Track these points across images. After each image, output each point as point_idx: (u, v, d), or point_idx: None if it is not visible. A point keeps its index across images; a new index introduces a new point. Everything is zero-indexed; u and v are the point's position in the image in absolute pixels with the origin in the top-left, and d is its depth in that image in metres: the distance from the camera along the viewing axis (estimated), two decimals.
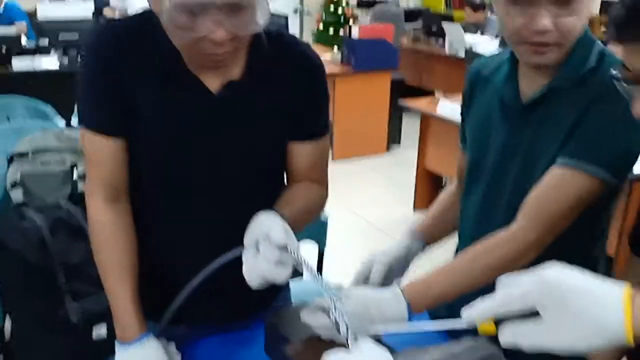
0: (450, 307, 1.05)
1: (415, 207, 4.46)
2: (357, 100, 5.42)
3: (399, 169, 5.31)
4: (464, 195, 1.34)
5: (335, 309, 0.90)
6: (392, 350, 1.00)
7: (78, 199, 2.03)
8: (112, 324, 1.21)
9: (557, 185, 1.08)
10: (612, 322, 0.67)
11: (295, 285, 1.52)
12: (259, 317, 1.39)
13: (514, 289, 0.74)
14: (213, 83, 1.15)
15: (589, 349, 0.70)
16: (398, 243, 1.33)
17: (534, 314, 0.73)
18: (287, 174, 1.32)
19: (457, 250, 1.41)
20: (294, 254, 1.00)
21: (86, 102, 1.17)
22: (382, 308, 1.04)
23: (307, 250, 1.30)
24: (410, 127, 5.61)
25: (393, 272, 1.27)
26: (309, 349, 1.04)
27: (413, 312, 1.05)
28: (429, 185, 4.44)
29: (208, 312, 1.33)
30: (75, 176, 2.36)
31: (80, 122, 1.19)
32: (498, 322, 0.77)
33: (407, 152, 5.50)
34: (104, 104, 1.14)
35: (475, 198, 1.27)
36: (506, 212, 1.18)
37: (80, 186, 2.34)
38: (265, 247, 1.01)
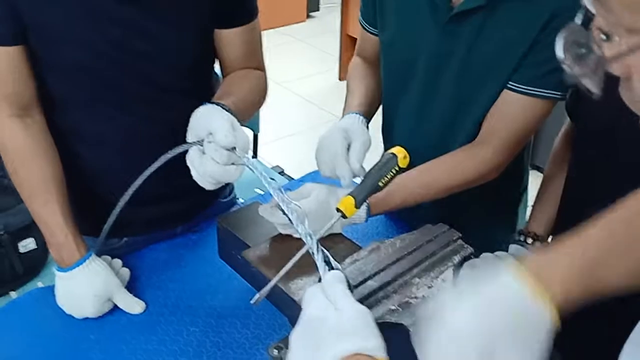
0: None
1: (340, 76, 4.36)
2: None
3: (320, 37, 5.12)
4: (394, 93, 1.26)
5: (298, 227, 0.79)
6: (358, 247, 0.98)
7: None
8: (41, 236, 1.09)
9: (518, 113, 1.09)
10: (519, 303, 0.57)
11: None
12: (204, 217, 1.33)
13: None
14: None
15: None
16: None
17: None
18: (221, 66, 1.20)
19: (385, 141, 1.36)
20: (244, 157, 0.89)
21: None
22: None
23: None
24: None
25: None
26: (270, 251, 0.99)
27: (371, 214, 1.04)
28: (353, 52, 4.30)
29: (149, 218, 1.24)
30: None
31: None
32: None
33: (328, 18, 5.31)
34: None
35: (412, 96, 1.21)
36: (445, 112, 1.18)
37: None
38: (211, 149, 0.89)
